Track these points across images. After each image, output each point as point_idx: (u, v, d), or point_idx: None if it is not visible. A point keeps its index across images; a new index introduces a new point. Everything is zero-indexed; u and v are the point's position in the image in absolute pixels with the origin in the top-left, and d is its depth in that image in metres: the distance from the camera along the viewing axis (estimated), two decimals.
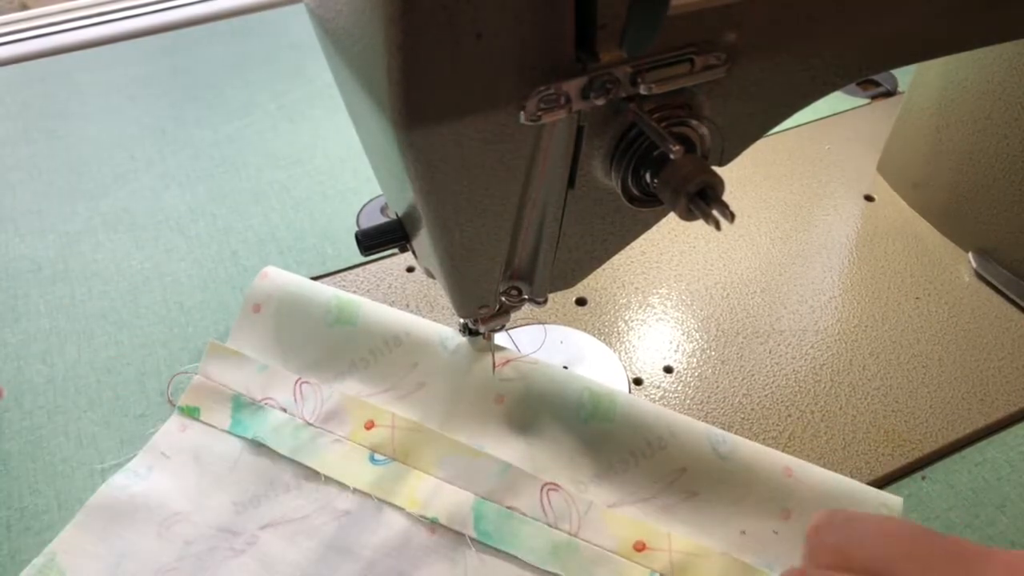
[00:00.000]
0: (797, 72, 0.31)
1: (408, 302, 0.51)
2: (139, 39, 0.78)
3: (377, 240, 0.35)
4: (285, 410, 0.43)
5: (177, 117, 0.68)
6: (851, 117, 0.67)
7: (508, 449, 0.41)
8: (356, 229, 0.42)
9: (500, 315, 0.39)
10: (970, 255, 0.53)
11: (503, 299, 0.37)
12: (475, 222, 0.31)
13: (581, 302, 0.51)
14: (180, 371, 0.46)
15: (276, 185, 0.60)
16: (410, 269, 0.53)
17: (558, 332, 0.49)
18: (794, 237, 0.56)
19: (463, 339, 0.43)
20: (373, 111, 0.26)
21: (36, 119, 0.67)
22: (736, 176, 0.60)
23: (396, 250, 0.37)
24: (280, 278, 0.47)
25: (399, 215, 0.35)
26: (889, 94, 0.69)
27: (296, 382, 0.44)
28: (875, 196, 0.59)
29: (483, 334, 0.42)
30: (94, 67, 0.74)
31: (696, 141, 0.29)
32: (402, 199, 0.33)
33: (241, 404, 0.43)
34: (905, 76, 0.70)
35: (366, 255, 0.36)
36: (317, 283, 0.47)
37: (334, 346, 0.45)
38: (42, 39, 0.77)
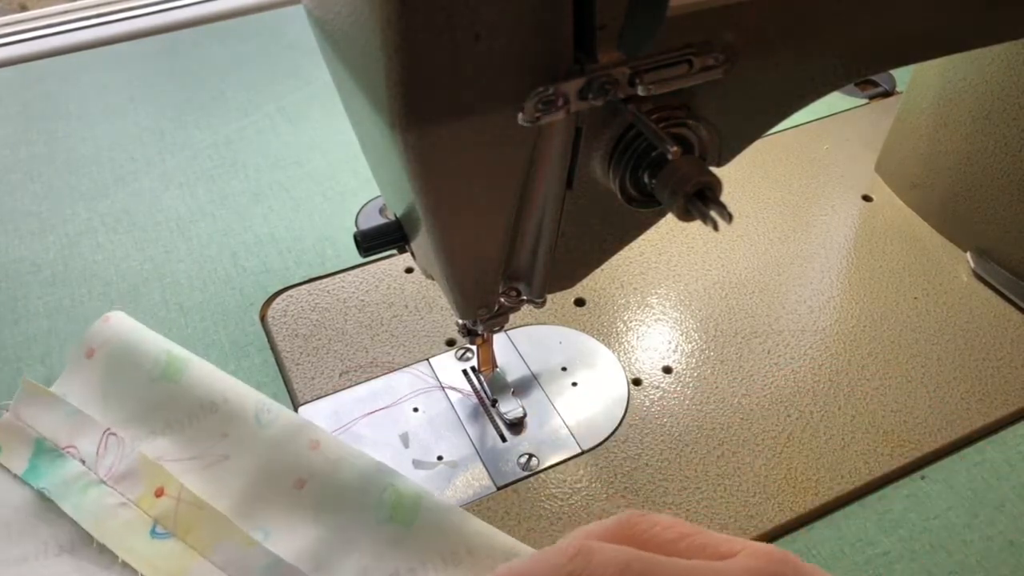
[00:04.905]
0: (796, 72, 0.31)
1: (407, 303, 0.51)
2: (138, 40, 0.78)
3: (376, 241, 0.35)
4: (84, 461, 0.40)
5: (176, 118, 0.68)
6: (849, 117, 0.67)
7: (295, 538, 0.38)
8: (355, 230, 0.42)
9: (499, 316, 0.39)
10: (968, 255, 0.53)
11: (502, 300, 0.37)
12: (474, 223, 0.31)
13: (580, 303, 0.51)
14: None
15: (275, 186, 0.60)
16: (409, 270, 0.53)
17: (557, 333, 0.49)
18: (792, 237, 0.56)
19: (279, 412, 0.41)
20: (372, 112, 0.26)
21: (35, 120, 0.67)
22: (734, 176, 0.60)
23: (395, 251, 0.37)
24: (121, 324, 0.45)
25: (398, 216, 0.35)
26: (887, 94, 0.69)
27: (104, 432, 0.41)
28: (873, 196, 0.59)
29: (482, 334, 0.42)
30: (93, 68, 0.74)
31: (694, 142, 0.29)
32: (401, 200, 0.33)
33: (43, 449, 0.41)
34: (904, 76, 0.70)
35: (365, 256, 0.36)
36: (157, 335, 0.45)
37: (153, 402, 0.42)
38: (41, 40, 0.77)
